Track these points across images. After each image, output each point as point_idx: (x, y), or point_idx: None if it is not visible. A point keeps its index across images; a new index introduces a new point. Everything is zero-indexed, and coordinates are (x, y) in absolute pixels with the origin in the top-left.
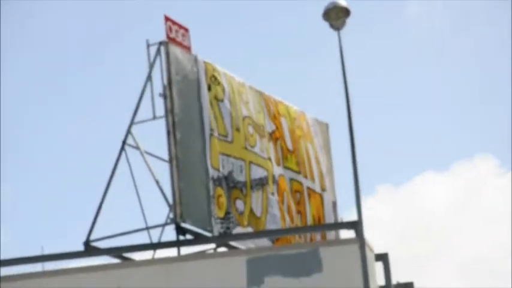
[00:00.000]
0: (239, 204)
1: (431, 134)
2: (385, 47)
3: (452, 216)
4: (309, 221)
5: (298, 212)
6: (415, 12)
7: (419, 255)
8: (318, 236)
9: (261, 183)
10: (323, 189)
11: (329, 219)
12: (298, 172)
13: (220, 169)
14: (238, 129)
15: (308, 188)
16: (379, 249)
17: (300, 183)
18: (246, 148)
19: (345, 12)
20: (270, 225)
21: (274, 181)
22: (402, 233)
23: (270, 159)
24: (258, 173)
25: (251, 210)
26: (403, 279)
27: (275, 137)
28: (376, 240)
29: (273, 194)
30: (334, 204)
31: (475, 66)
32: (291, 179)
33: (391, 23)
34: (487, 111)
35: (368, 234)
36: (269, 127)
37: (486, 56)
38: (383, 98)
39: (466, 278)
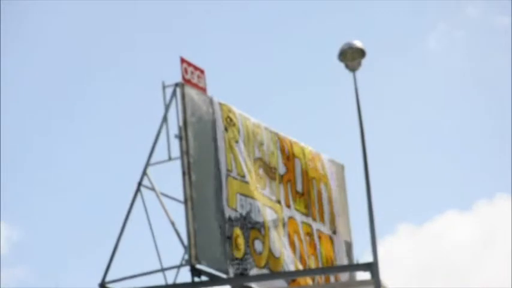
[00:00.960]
0: (257, 244)
1: (452, 174)
2: (402, 85)
3: (474, 255)
4: (322, 263)
5: (312, 254)
6: (433, 48)
7: None
8: (331, 278)
9: (275, 224)
10: (334, 232)
11: (340, 261)
12: (307, 214)
13: (238, 209)
14: (250, 171)
15: (318, 230)
16: None
17: (310, 226)
18: (257, 190)
19: (361, 53)
20: (287, 266)
21: (284, 223)
22: (423, 273)
23: (279, 202)
24: (271, 214)
25: (270, 250)
26: None
27: (286, 179)
28: (396, 279)
29: (284, 236)
30: (349, 245)
31: (494, 104)
32: (302, 222)
33: (409, 60)
34: (506, 150)
35: (385, 274)
36: (281, 169)
37: (506, 94)
38: (405, 137)
39: None
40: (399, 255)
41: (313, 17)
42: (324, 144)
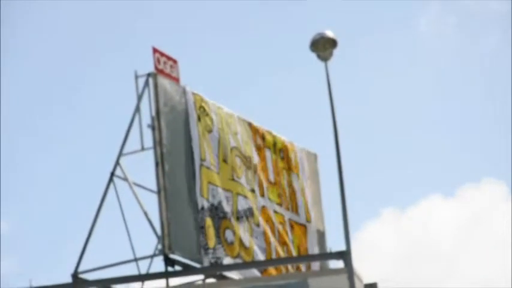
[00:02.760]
0: (228, 234)
1: (438, 158)
2: (388, 68)
3: (459, 240)
4: (294, 252)
5: (284, 243)
6: (424, 31)
7: (425, 280)
8: (303, 267)
9: (246, 214)
10: (308, 220)
11: (312, 250)
12: (280, 204)
13: (210, 199)
14: (225, 161)
15: (290, 220)
16: (380, 274)
17: (282, 215)
18: (233, 179)
19: (332, 43)
20: (257, 256)
21: (257, 213)
22: (407, 257)
23: (253, 190)
24: (243, 204)
25: (240, 241)
26: None
27: (260, 168)
28: (379, 263)
29: (257, 225)
30: (322, 234)
31: (484, 87)
32: (274, 211)
33: (397, 44)
34: (494, 133)
35: (368, 258)
36: (255, 158)
37: (496, 77)
38: (391, 120)
39: None
40: (383, 239)
41: (288, 4)
42: (297, 133)
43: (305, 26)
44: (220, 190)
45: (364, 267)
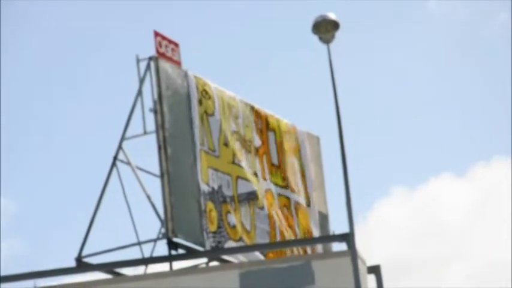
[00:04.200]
0: (230, 218)
1: (448, 136)
2: (399, 48)
3: (469, 219)
4: (299, 235)
5: (289, 226)
6: (434, 11)
7: (435, 259)
8: (308, 250)
9: (248, 198)
10: (308, 204)
11: (315, 232)
12: (285, 187)
13: (210, 183)
14: (226, 144)
15: (296, 202)
16: (389, 253)
17: (287, 198)
18: (233, 163)
19: (334, 25)
20: (259, 240)
21: (262, 196)
22: (417, 236)
23: (256, 174)
24: (245, 187)
25: (242, 224)
26: (419, 283)
27: (262, 151)
28: (390, 242)
29: (261, 208)
30: (325, 217)
31: (496, 65)
32: (278, 194)
33: (406, 23)
34: (506, 111)
35: (378, 237)
36: (256, 142)
37: (506, 55)
38: (402, 98)
39: (483, 283)
40: (393, 218)
41: None
42: (300, 116)
43: (308, 7)
44: (220, 174)
45: (373, 246)
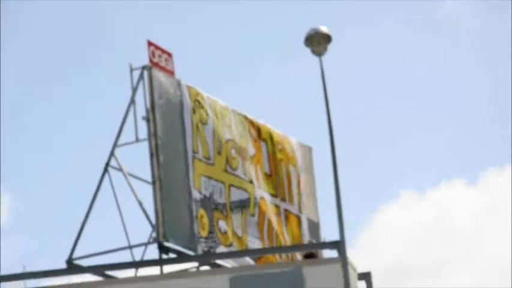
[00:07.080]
0: (222, 224)
1: (460, 142)
2: (404, 49)
3: (478, 225)
4: (288, 242)
5: (280, 233)
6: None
7: (442, 263)
8: (298, 256)
9: (241, 205)
10: (301, 211)
11: (305, 240)
12: (275, 195)
13: (202, 190)
14: (219, 153)
15: (285, 210)
16: (395, 256)
17: (278, 206)
18: (227, 171)
19: (326, 38)
20: (251, 246)
21: (256, 203)
22: (423, 240)
23: (251, 181)
24: (238, 195)
25: (233, 231)
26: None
27: (256, 160)
28: (395, 245)
29: (253, 215)
30: (316, 226)
31: (506, 71)
32: (270, 202)
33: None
34: None
35: (385, 240)
36: (251, 150)
37: None
38: (419, 103)
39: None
40: (399, 221)
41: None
42: (292, 127)
43: (301, 18)
44: (213, 182)
45: (376, 248)
